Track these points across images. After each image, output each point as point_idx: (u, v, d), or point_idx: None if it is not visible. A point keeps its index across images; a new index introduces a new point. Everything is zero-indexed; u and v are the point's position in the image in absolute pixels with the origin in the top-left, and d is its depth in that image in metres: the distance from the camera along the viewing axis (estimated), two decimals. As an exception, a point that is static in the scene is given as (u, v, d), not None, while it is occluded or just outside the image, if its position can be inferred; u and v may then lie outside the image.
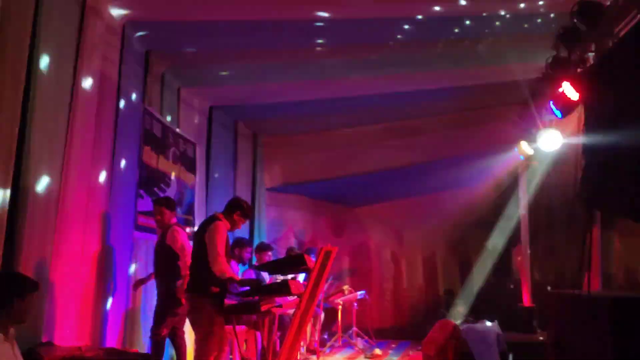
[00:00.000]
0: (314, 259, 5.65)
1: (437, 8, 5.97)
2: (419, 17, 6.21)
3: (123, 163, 5.99)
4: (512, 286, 10.15)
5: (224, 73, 7.46)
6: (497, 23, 6.34)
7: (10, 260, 4.28)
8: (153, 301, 6.01)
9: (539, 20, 6.26)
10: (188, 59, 7.11)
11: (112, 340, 5.60)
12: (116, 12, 5.67)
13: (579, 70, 5.63)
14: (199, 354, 4.84)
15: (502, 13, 6.14)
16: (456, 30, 6.57)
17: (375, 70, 7.49)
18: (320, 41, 6.81)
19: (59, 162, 4.87)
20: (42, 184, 4.64)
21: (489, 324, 6.78)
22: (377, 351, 8.76)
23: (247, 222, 9.61)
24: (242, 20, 6.14)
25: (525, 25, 6.36)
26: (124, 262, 6.02)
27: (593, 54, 5.60)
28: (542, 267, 11.01)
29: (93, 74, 5.31)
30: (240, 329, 6.29)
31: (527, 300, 9.19)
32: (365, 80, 7.77)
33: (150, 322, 5.78)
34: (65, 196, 4.89)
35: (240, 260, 6.96)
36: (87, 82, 5.21)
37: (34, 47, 4.47)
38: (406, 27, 6.44)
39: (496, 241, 11.19)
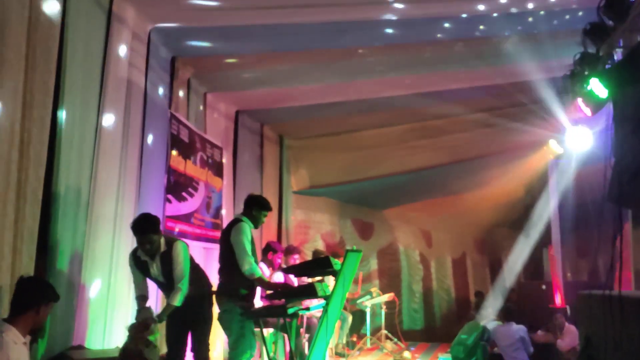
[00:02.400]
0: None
1: (480, 7, 5.92)
2: (455, 16, 6.16)
3: (151, 168, 6.07)
4: (543, 287, 10.00)
5: (248, 76, 7.49)
6: (530, 19, 6.26)
7: (42, 265, 4.39)
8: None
9: (567, 17, 6.17)
10: (213, 64, 7.18)
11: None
12: (142, 19, 5.76)
13: (607, 66, 5.52)
14: (231, 356, 4.88)
15: (530, 6, 6.06)
16: (482, 28, 6.51)
17: (402, 70, 7.46)
18: (345, 43, 6.80)
19: (88, 168, 4.96)
20: (72, 190, 4.73)
21: (516, 326, 6.70)
22: (407, 354, 8.70)
23: (275, 227, 9.70)
24: (267, 24, 6.18)
25: (555, 22, 6.27)
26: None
27: (621, 49, 5.49)
28: (574, 267, 10.84)
29: (120, 81, 5.40)
30: (268, 331, 6.32)
31: (559, 301, 9.06)
32: (391, 81, 7.74)
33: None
34: (95, 202, 4.98)
35: (271, 265, 7.00)
36: (114, 89, 5.30)
37: (61, 55, 4.56)
38: (445, 25, 6.37)
39: (526, 241, 11.03)
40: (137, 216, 4.79)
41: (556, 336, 7.59)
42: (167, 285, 4.71)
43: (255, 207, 5.21)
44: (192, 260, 4.91)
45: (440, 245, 15.14)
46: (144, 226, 4.58)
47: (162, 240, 4.70)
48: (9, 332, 3.31)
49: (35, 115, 4.14)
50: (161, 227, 6.22)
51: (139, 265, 4.71)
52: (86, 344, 4.63)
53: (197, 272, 4.95)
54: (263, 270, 6.58)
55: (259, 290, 5.54)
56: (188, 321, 4.83)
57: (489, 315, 9.88)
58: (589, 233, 8.87)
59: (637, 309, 3.02)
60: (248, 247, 4.89)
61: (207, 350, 4.91)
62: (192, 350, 4.88)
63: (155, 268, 4.67)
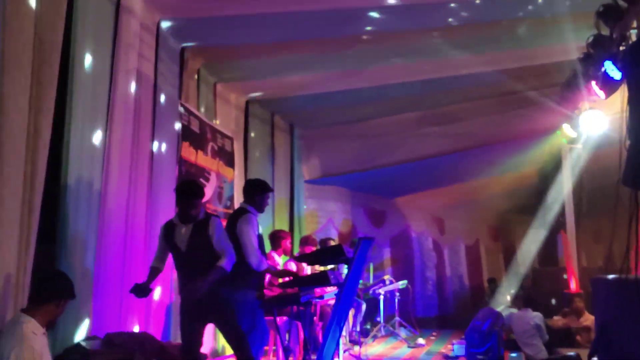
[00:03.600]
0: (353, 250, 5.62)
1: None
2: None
3: (162, 159, 6.08)
4: (565, 276, 9.75)
5: (258, 66, 7.46)
6: (539, 1, 6.17)
7: (57, 257, 4.42)
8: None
9: (579, -1, 6.07)
10: (223, 54, 7.16)
11: (157, 335, 5.69)
12: (150, 10, 5.74)
13: (620, 48, 5.44)
14: (241, 347, 4.85)
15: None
16: (494, 12, 6.43)
17: (412, 57, 7.39)
18: (357, 30, 6.74)
19: (100, 160, 4.98)
20: (84, 182, 4.75)
21: (533, 313, 6.65)
22: (421, 340, 8.71)
23: (287, 216, 9.71)
24: (276, 13, 6.14)
25: (567, 3, 6.18)
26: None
27: (635, 31, 5.41)
28: (589, 252, 10.75)
29: (129, 72, 5.40)
30: (282, 320, 6.34)
31: (574, 286, 9.00)
32: (402, 68, 7.69)
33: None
34: (107, 193, 5.00)
35: (284, 252, 6.98)
36: (124, 81, 5.30)
37: (70, 47, 4.56)
38: (453, 6, 6.26)
39: (540, 227, 10.96)
40: (184, 180, 4.92)
41: (573, 321, 7.55)
42: (186, 257, 4.36)
43: (257, 191, 5.13)
44: None
45: (453, 232, 15.10)
46: (194, 190, 4.40)
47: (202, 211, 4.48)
48: (29, 323, 3.32)
49: (44, 107, 4.13)
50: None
51: (167, 230, 4.44)
52: (101, 335, 4.65)
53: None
54: (275, 258, 6.57)
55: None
56: (204, 313, 4.41)
57: (503, 302, 9.86)
58: (603, 218, 8.78)
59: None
60: (254, 240, 4.85)
61: (242, 339, 4.45)
62: (230, 345, 4.55)
63: (182, 234, 4.34)
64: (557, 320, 7.83)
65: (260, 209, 5.11)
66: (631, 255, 3.71)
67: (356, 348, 7.23)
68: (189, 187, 4.44)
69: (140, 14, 5.57)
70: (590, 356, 4.26)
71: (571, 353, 6.13)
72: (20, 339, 3.22)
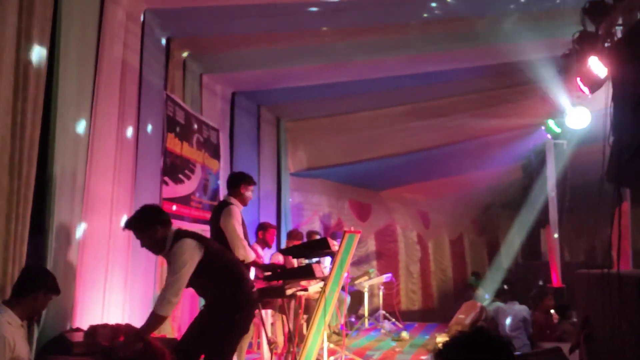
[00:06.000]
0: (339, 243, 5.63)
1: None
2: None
3: (147, 150, 6.03)
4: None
5: (244, 57, 7.41)
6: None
7: (39, 249, 4.38)
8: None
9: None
10: (209, 45, 7.10)
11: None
12: (135, -1, 5.69)
13: (606, 44, 5.48)
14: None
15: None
16: (479, 7, 6.44)
17: (399, 50, 7.38)
18: (342, 22, 6.72)
19: (84, 149, 4.92)
20: (68, 173, 4.70)
21: (519, 306, 6.70)
22: (404, 334, 8.75)
23: (274, 209, 9.69)
24: (261, 4, 6.10)
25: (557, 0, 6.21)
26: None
27: (621, 27, 5.44)
28: (571, 247, 10.87)
29: (114, 62, 5.34)
30: (267, 312, 6.34)
31: (556, 281, 9.09)
32: (388, 61, 7.67)
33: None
34: (91, 184, 4.95)
35: (265, 244, 6.97)
36: (109, 70, 5.24)
37: (55, 35, 4.50)
38: (432, 4, 6.30)
39: (524, 222, 11.04)
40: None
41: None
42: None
43: (242, 184, 5.11)
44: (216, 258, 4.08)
45: (437, 226, 15.17)
46: (131, 224, 3.99)
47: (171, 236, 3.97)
48: (5, 313, 3.42)
49: (29, 97, 4.09)
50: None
51: None
52: (84, 326, 4.62)
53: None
54: (258, 250, 6.57)
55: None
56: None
57: (487, 296, 9.93)
58: (586, 213, 8.87)
59: (636, 288, 3.02)
60: (240, 231, 4.84)
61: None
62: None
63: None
64: (539, 316, 7.88)
65: (244, 202, 5.11)
66: (613, 251, 3.75)
67: (340, 341, 7.26)
68: (129, 222, 4.00)
69: (125, 3, 5.50)
70: (572, 350, 4.30)
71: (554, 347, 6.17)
72: None
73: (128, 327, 4.73)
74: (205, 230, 7.05)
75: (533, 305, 6.99)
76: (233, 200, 5.01)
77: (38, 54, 4.21)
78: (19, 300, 3.53)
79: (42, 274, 3.73)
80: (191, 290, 4.20)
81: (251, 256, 4.85)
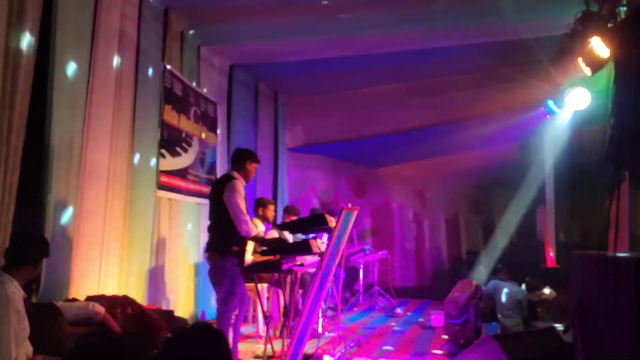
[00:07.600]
0: (336, 220, 5.62)
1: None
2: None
3: (144, 122, 5.98)
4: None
5: (243, 29, 7.32)
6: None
7: (38, 219, 4.37)
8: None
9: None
10: (208, 16, 7.01)
11: (137, 299, 5.67)
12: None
13: (609, 25, 5.42)
14: (220, 312, 4.87)
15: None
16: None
17: (399, 26, 7.30)
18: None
19: (81, 121, 4.88)
20: (65, 143, 4.66)
21: (518, 287, 6.71)
22: (399, 310, 8.81)
23: (271, 184, 9.68)
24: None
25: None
26: (147, 220, 6.06)
27: (625, 8, 5.38)
28: (567, 227, 10.90)
29: (111, 31, 5.27)
30: (263, 287, 6.36)
31: (551, 261, 9.13)
32: (388, 38, 7.60)
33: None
34: (87, 155, 4.93)
35: (265, 220, 6.97)
36: (106, 40, 5.18)
37: (52, 4, 4.43)
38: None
39: (520, 201, 11.04)
40: None
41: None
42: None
43: (247, 160, 5.10)
44: None
45: (433, 204, 15.16)
46: None
47: None
48: (10, 283, 3.26)
49: (22, 64, 4.03)
50: (154, 182, 6.21)
51: None
52: (81, 297, 4.63)
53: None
54: (258, 225, 6.57)
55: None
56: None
57: (482, 274, 9.96)
58: (584, 194, 8.87)
59: (632, 271, 3.02)
60: (243, 206, 4.83)
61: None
62: None
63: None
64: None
65: (246, 179, 5.09)
66: (610, 232, 3.75)
67: (335, 316, 7.30)
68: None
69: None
70: (565, 330, 4.31)
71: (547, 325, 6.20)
72: (5, 300, 3.16)
73: (125, 298, 4.74)
74: (201, 204, 7.06)
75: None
76: (236, 174, 4.99)
77: (31, 22, 4.14)
78: (19, 268, 3.39)
79: (40, 241, 3.62)
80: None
81: (253, 231, 4.85)
